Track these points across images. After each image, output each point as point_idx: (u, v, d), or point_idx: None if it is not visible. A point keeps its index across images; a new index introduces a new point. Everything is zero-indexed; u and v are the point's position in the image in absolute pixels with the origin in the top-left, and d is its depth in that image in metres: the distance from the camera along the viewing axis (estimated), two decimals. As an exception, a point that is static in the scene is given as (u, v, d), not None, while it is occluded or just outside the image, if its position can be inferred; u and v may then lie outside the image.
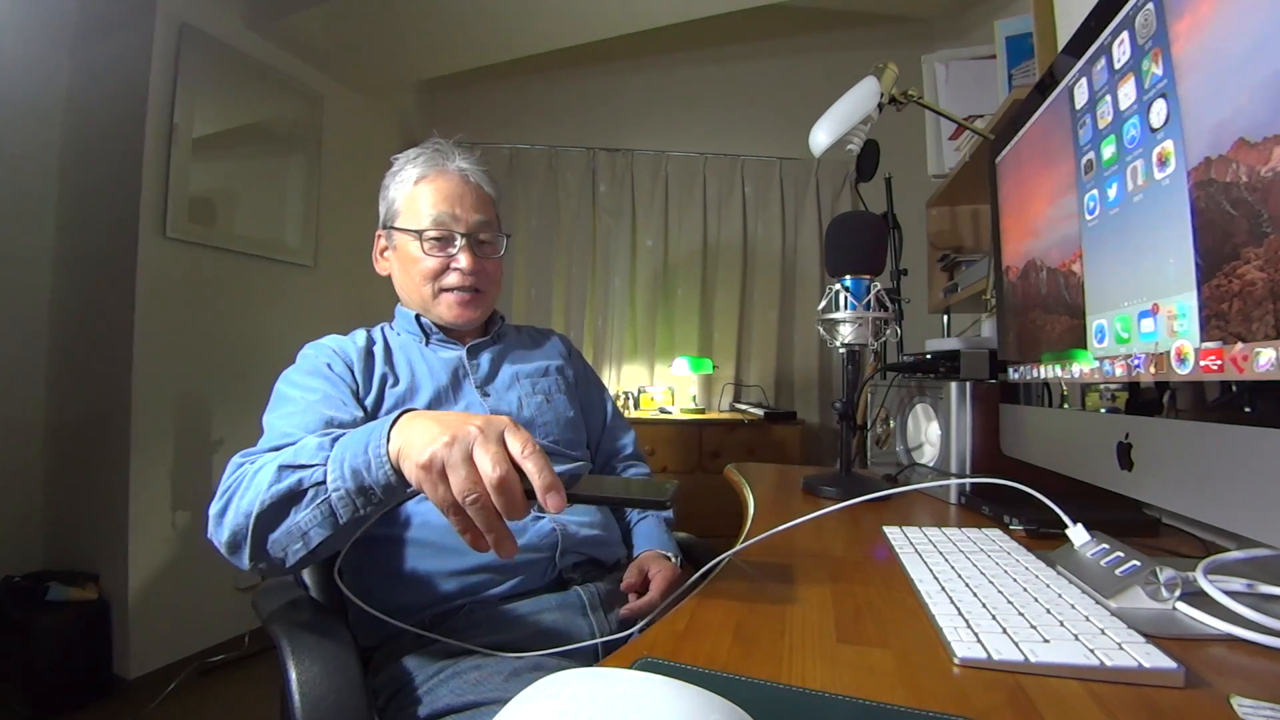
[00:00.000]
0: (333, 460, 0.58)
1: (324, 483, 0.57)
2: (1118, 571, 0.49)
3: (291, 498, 0.59)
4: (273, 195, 2.31)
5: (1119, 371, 0.58)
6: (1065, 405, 0.69)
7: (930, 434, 1.01)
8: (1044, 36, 1.24)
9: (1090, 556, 0.54)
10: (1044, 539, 0.70)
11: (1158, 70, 0.50)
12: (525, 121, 3.02)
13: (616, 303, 2.90)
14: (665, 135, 2.98)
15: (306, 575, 0.85)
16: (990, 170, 0.90)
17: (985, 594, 0.49)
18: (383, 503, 0.58)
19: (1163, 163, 0.50)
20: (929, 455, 1.01)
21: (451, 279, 0.92)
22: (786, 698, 0.37)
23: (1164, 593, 0.47)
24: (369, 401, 0.84)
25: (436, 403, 0.87)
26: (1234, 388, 0.44)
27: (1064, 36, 1.11)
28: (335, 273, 2.52)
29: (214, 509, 0.65)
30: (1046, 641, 0.41)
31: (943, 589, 0.51)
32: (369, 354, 0.89)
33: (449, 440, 0.49)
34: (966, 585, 0.51)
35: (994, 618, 0.45)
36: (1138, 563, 0.49)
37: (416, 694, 0.67)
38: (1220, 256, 0.44)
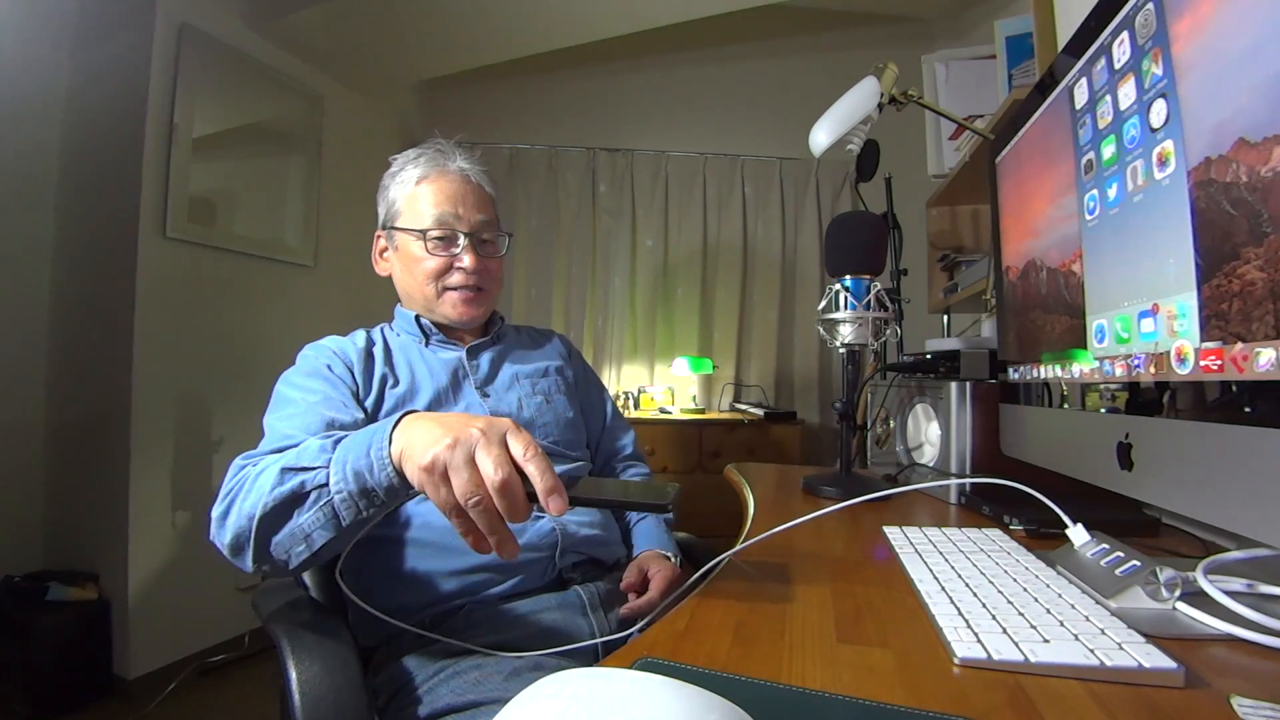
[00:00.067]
0: (335, 462, 0.58)
1: (327, 485, 0.57)
2: (1118, 571, 0.49)
3: (294, 500, 0.59)
4: (273, 195, 2.31)
5: (1119, 371, 0.58)
6: (1065, 405, 0.69)
7: (930, 434, 1.01)
8: (1044, 36, 1.24)
9: (1090, 556, 0.54)
10: (1044, 539, 0.70)
11: (1158, 70, 0.50)
12: (525, 121, 3.02)
13: (616, 303, 2.90)
14: (665, 135, 2.98)
15: (307, 575, 0.85)
16: (990, 170, 0.90)
17: (985, 594, 0.49)
18: (385, 504, 0.58)
19: (1163, 163, 0.50)
20: (929, 455, 1.01)
21: (455, 278, 0.92)
22: (786, 698, 0.37)
23: (1164, 593, 0.47)
24: (369, 402, 0.84)
25: (436, 403, 0.87)
26: (1234, 388, 0.44)
27: (1064, 36, 1.11)
28: (335, 273, 2.52)
29: (216, 511, 0.65)
30: (1046, 641, 0.41)
31: (943, 589, 0.51)
32: (369, 355, 0.89)
33: (451, 442, 0.49)
34: (966, 585, 0.51)
35: (994, 618, 0.45)
36: (1138, 563, 0.49)
37: (416, 694, 0.67)
38: (1220, 256, 0.44)
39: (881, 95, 1.14)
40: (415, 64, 2.69)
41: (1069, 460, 0.68)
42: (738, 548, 0.64)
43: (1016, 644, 0.40)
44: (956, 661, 0.40)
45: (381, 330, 0.96)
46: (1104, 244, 0.60)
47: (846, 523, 0.79)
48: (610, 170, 2.93)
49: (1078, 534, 0.57)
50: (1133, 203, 0.55)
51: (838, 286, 0.93)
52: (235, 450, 0.71)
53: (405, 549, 0.80)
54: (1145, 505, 0.75)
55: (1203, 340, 0.46)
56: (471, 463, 0.49)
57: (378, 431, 0.56)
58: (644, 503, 0.51)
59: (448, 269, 0.92)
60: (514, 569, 0.79)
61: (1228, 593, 0.46)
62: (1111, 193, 0.58)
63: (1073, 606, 0.46)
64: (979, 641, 0.41)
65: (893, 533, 0.69)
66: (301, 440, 0.69)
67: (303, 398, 0.79)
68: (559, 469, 0.52)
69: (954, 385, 0.91)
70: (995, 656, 0.39)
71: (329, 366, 0.84)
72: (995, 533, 0.68)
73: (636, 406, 2.70)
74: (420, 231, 0.92)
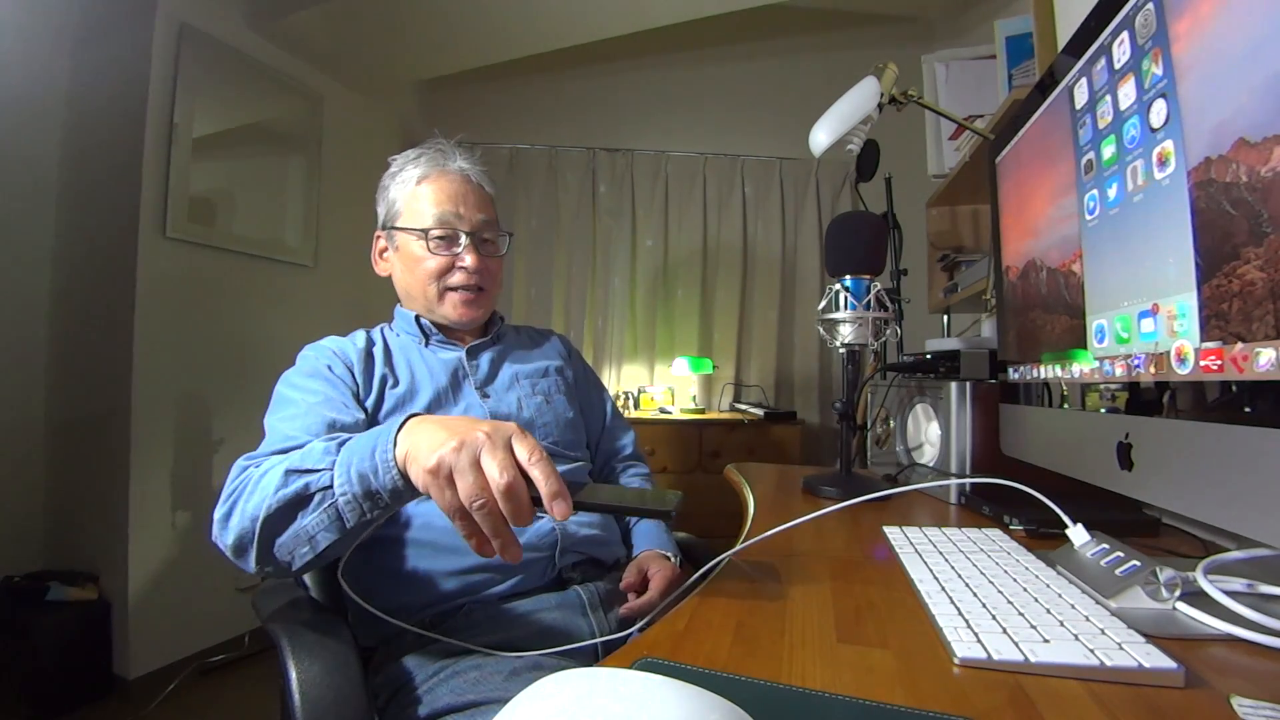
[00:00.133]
0: (339, 465, 0.58)
1: (331, 487, 0.58)
2: (1118, 571, 0.49)
3: (298, 502, 0.59)
4: (273, 195, 2.31)
5: (1119, 371, 0.58)
6: (1065, 405, 0.69)
7: (930, 434, 1.01)
8: (1044, 36, 1.24)
9: (1090, 556, 0.54)
10: (1044, 539, 0.70)
11: (1158, 70, 0.50)
12: (525, 121, 3.02)
13: (616, 303, 2.89)
14: (665, 135, 2.98)
15: (307, 575, 0.85)
16: (990, 170, 0.90)
17: (985, 594, 0.49)
18: (389, 507, 0.58)
19: (1163, 163, 0.50)
20: (929, 455, 1.01)
21: (456, 278, 0.92)
22: (786, 698, 0.37)
23: (1164, 593, 0.47)
24: (369, 403, 0.84)
25: (436, 404, 0.87)
26: (1234, 388, 0.44)
27: (1064, 36, 1.11)
28: (335, 273, 2.52)
29: (219, 512, 0.65)
30: (1046, 641, 0.41)
31: (943, 589, 0.51)
32: (369, 355, 0.89)
33: (457, 446, 0.49)
34: (966, 585, 0.51)
35: (994, 618, 0.45)
36: (1138, 563, 0.49)
37: (416, 693, 0.67)
38: (1220, 256, 0.44)
39: (881, 95, 1.14)
40: (415, 64, 2.69)
41: (1069, 460, 0.68)
42: (738, 548, 0.64)
43: (1016, 644, 0.40)
44: (956, 661, 0.40)
45: (381, 330, 0.96)
46: (1104, 244, 0.60)
47: (846, 523, 0.79)
48: (610, 170, 2.93)
49: (1078, 534, 0.57)
50: (1133, 203, 0.55)
51: (838, 286, 0.93)
52: (235, 450, 0.71)
53: (406, 549, 0.80)
54: (1145, 505, 0.75)
55: (1203, 340, 0.46)
56: (477, 466, 0.49)
57: (382, 434, 0.56)
58: (647, 509, 0.52)
59: (449, 268, 0.92)
60: (514, 569, 0.79)
61: (1228, 593, 0.46)
62: (1111, 193, 0.58)
63: (1073, 606, 0.46)
64: (979, 641, 0.41)
65: (893, 533, 0.69)
66: (303, 441, 0.69)
67: (303, 398, 0.79)
68: (559, 469, 0.52)
69: (954, 385, 0.91)
70: (995, 656, 0.39)
71: (329, 367, 0.84)
72: (995, 533, 0.68)
73: (636, 406, 2.70)
74: (421, 231, 0.92)
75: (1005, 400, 0.85)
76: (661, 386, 2.77)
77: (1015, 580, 0.52)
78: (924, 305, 1.94)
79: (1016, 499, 0.63)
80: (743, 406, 2.73)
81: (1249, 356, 0.42)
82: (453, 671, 0.68)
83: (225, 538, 0.64)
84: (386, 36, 2.39)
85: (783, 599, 0.52)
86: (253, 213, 2.22)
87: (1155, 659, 0.38)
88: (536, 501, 0.49)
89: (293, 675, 0.60)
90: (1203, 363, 0.46)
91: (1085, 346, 0.64)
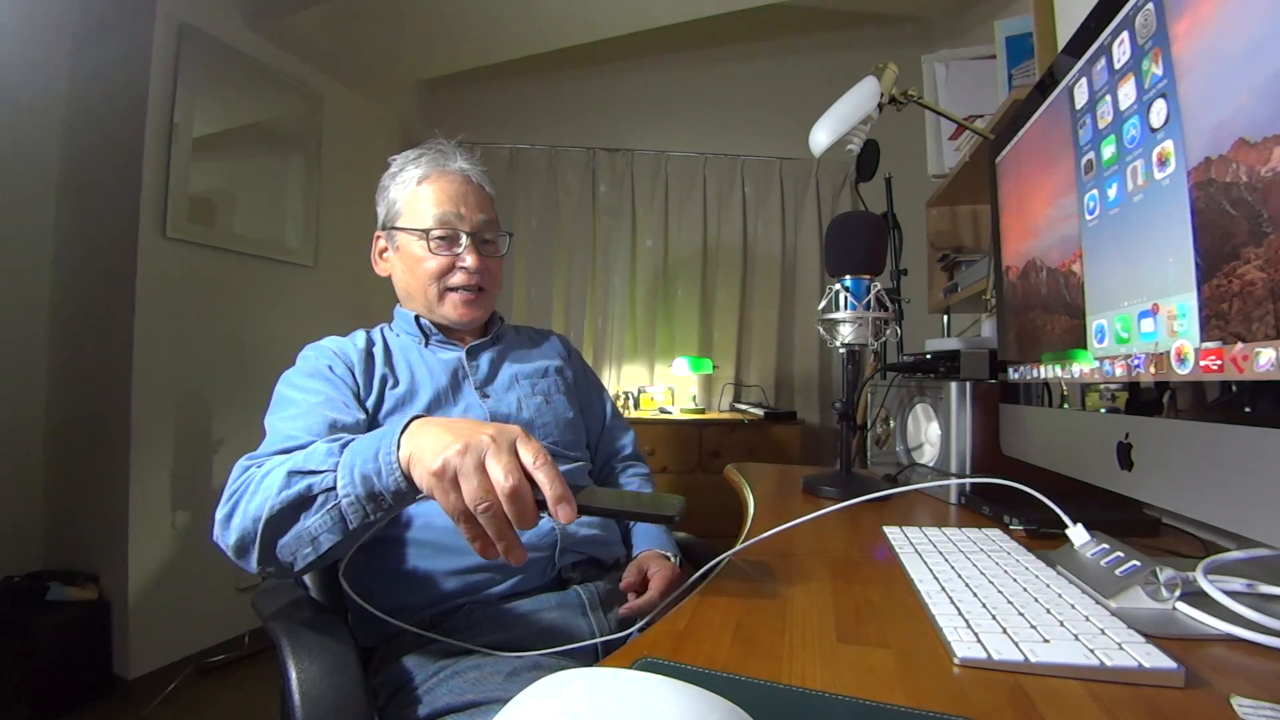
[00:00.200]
0: (343, 466, 0.58)
1: (334, 489, 0.58)
2: (1118, 571, 0.49)
3: (301, 503, 0.59)
4: (273, 195, 2.31)
5: (1119, 371, 0.58)
6: (1065, 405, 0.69)
7: (930, 434, 1.01)
8: (1044, 36, 1.24)
9: (1090, 556, 0.54)
10: (1044, 539, 0.70)
11: (1158, 70, 0.50)
12: (525, 121, 3.02)
13: (616, 303, 2.89)
14: (665, 135, 2.98)
15: (307, 575, 0.85)
16: (990, 170, 0.90)
17: (985, 594, 0.49)
18: (392, 509, 0.58)
19: (1163, 163, 0.50)
20: (929, 455, 1.01)
21: (457, 278, 0.92)
22: (786, 698, 0.37)
23: (1164, 593, 0.47)
24: (369, 403, 0.84)
25: (436, 404, 0.87)
26: (1234, 388, 0.44)
27: (1064, 36, 1.11)
28: (335, 273, 2.52)
29: (220, 513, 0.65)
30: (1046, 641, 0.41)
31: (943, 589, 0.51)
32: (369, 355, 0.89)
33: (462, 448, 0.50)
34: (966, 585, 0.51)
35: (994, 618, 0.45)
36: (1138, 563, 0.49)
37: (416, 693, 0.67)
38: (1220, 256, 0.44)
39: (881, 95, 1.14)
40: (415, 64, 2.69)
41: (1069, 460, 0.68)
42: (738, 548, 0.64)
43: (1016, 644, 0.40)
44: (956, 661, 0.40)
45: (381, 330, 0.96)
46: (1104, 244, 0.60)
47: (846, 523, 0.79)
48: (610, 170, 2.93)
49: (1078, 534, 0.57)
50: (1133, 203, 0.55)
51: (838, 286, 0.93)
52: (235, 450, 0.71)
53: (406, 549, 0.80)
54: (1145, 505, 0.75)
55: (1203, 340, 0.46)
56: (482, 469, 0.49)
57: (386, 436, 0.56)
58: (650, 513, 0.52)
59: (450, 269, 0.92)
60: (514, 569, 0.79)
61: (1228, 593, 0.46)
62: (1111, 193, 0.58)
63: (1073, 606, 0.46)
64: (979, 641, 0.41)
65: (893, 533, 0.69)
66: (305, 441, 0.69)
67: (304, 399, 0.79)
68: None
69: (954, 385, 0.91)
70: (995, 656, 0.39)
71: (330, 367, 0.84)
72: (995, 533, 0.68)
73: (636, 406, 2.70)
74: (422, 231, 0.92)
75: (1005, 400, 0.85)
76: (661, 386, 2.77)
77: (1015, 580, 0.52)
78: (924, 305, 1.94)
79: (1016, 499, 0.63)
80: (743, 406, 2.73)
81: (1249, 356, 0.42)
82: (452, 671, 0.68)
83: (227, 538, 0.64)
84: (386, 36, 2.40)
85: (783, 599, 0.52)
86: (253, 213, 2.22)
87: (1155, 659, 0.38)
88: (541, 505, 0.49)
89: (293, 675, 0.60)
90: (1203, 363, 0.46)
91: (1085, 346, 0.64)
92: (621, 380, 2.89)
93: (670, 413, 2.61)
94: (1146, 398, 0.54)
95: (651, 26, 2.47)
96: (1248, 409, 0.42)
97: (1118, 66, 0.56)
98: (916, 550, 0.62)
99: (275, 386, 0.83)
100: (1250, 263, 0.41)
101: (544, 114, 3.04)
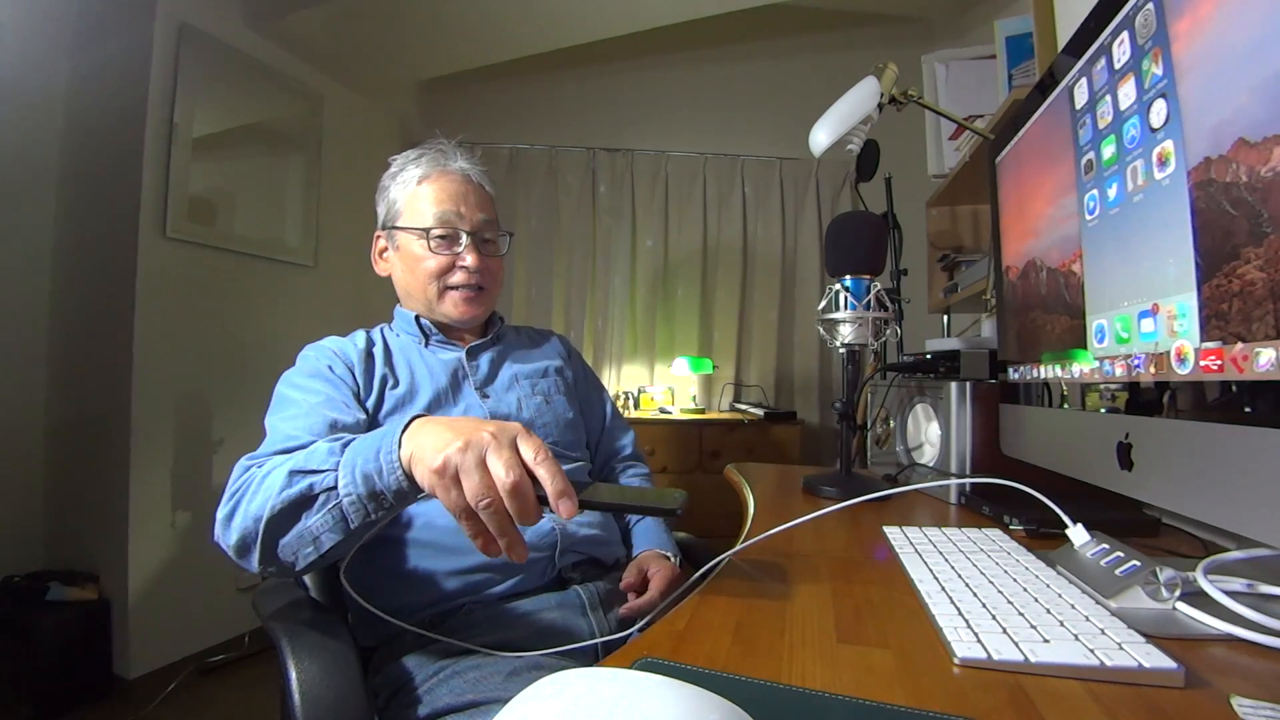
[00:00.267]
0: (344, 465, 0.58)
1: (335, 488, 0.58)
2: (1118, 571, 0.49)
3: (303, 503, 0.59)
4: (273, 195, 2.31)
5: (1119, 371, 0.58)
6: (1065, 405, 0.69)
7: (930, 434, 1.01)
8: (1044, 36, 1.24)
9: (1090, 556, 0.54)
10: (1044, 539, 0.70)
11: (1158, 70, 0.50)
12: (525, 121, 3.02)
13: (616, 303, 2.89)
14: (665, 135, 2.98)
15: (307, 575, 0.85)
16: (990, 170, 0.90)
17: (985, 594, 0.49)
18: (394, 507, 0.58)
19: (1163, 163, 0.50)
20: (929, 455, 1.01)
21: (457, 277, 0.93)
22: (786, 698, 0.37)
23: (1164, 593, 0.47)
24: (369, 403, 0.84)
25: (436, 404, 0.87)
26: (1234, 388, 0.44)
27: (1064, 36, 1.11)
28: (335, 273, 2.52)
29: (221, 513, 0.65)
30: (1046, 641, 0.41)
31: (943, 589, 0.51)
32: (369, 355, 0.89)
33: (462, 446, 0.50)
34: (966, 585, 0.51)
35: (994, 618, 0.45)
36: (1138, 563, 0.49)
37: (416, 694, 0.67)
38: (1220, 256, 0.44)
39: (881, 95, 1.14)
40: (415, 64, 2.69)
41: (1069, 460, 0.68)
42: (738, 548, 0.64)
43: (1016, 644, 0.40)
44: (956, 661, 0.40)
45: (381, 330, 0.96)
46: (1104, 244, 0.60)
47: (846, 523, 0.79)
48: (610, 170, 2.92)
49: (1078, 534, 0.57)
50: (1133, 203, 0.55)
51: (838, 286, 0.93)
52: (235, 450, 0.71)
53: (407, 549, 0.80)
54: (1145, 505, 0.75)
55: (1203, 340, 0.46)
56: (483, 465, 0.49)
57: (387, 435, 0.57)
58: (652, 507, 0.52)
59: (450, 268, 0.92)
60: (514, 569, 0.79)
61: (1228, 593, 0.46)
62: (1111, 193, 0.58)
63: (1073, 606, 0.46)
64: (979, 641, 0.41)
65: (893, 533, 0.69)
66: (305, 441, 0.69)
67: (305, 399, 0.79)
68: (559, 469, 0.52)
69: (954, 385, 0.91)
70: (995, 656, 0.39)
71: (330, 367, 0.84)
72: (995, 533, 0.68)
73: (636, 406, 2.70)
74: (423, 230, 0.92)
75: (1005, 400, 0.85)
76: (661, 386, 2.77)
77: (1015, 580, 0.52)
78: (924, 305, 1.94)
79: (1016, 499, 0.63)
80: (743, 406, 2.73)
81: (1249, 356, 0.42)
82: (453, 671, 0.68)
83: (228, 538, 0.64)
84: (386, 36, 2.40)
85: (783, 599, 0.52)
86: (253, 213, 2.22)
87: (1155, 659, 0.38)
88: (542, 501, 0.49)
89: (293, 675, 0.60)
90: (1203, 363, 0.46)
91: (1085, 346, 0.64)
92: (621, 380, 2.89)
93: (670, 413, 2.61)
94: (1146, 398, 0.54)
95: (651, 26, 2.48)
96: (1248, 409, 0.42)
97: (1118, 66, 0.56)
98: (916, 550, 0.62)
99: (275, 386, 0.83)
100: (1250, 263, 0.41)
101: (544, 114, 3.03)
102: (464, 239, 0.92)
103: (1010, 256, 0.84)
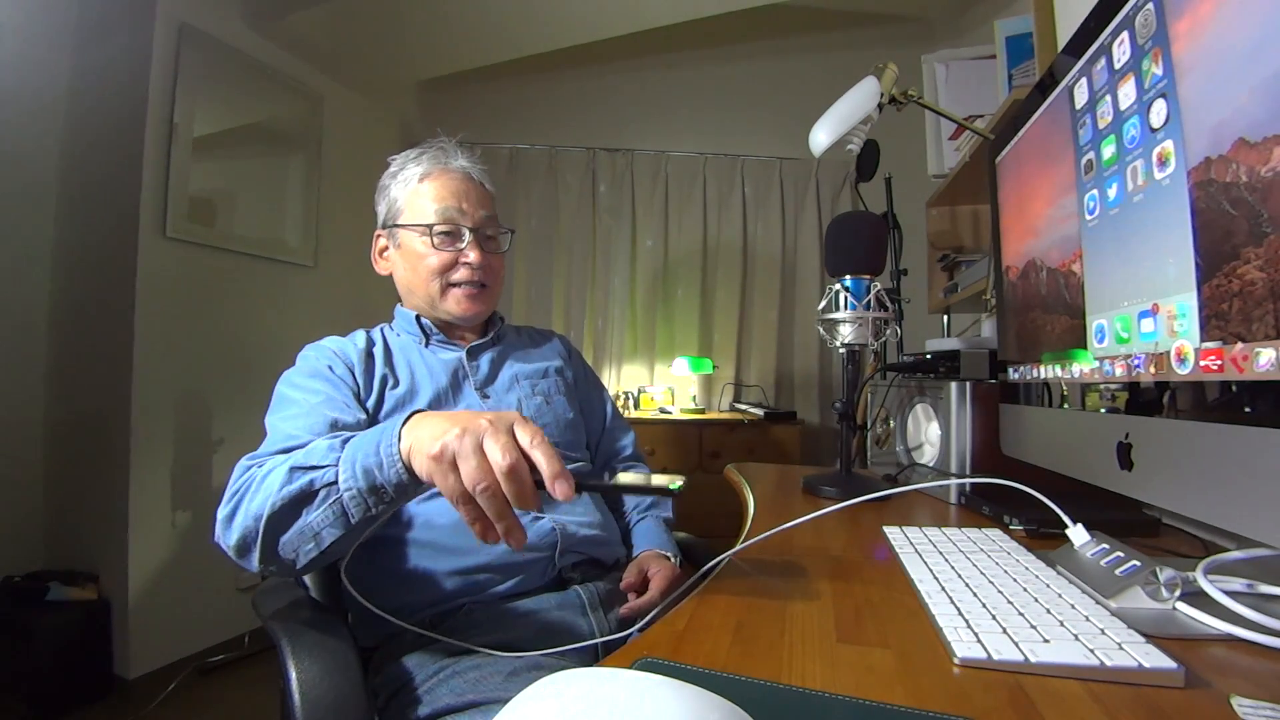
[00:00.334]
0: (344, 461, 0.58)
1: (336, 483, 0.58)
2: (1118, 571, 0.49)
3: (303, 499, 0.59)
4: (273, 195, 2.31)
5: (1119, 371, 0.58)
6: (1065, 405, 0.69)
7: (930, 434, 1.01)
8: (1044, 36, 1.24)
9: (1090, 556, 0.54)
10: (1044, 539, 0.70)
11: (1158, 70, 0.50)
12: (525, 121, 3.02)
13: (616, 303, 2.89)
14: (665, 135, 2.98)
15: (307, 575, 0.85)
16: (990, 170, 0.90)
17: (985, 594, 0.49)
18: (394, 501, 0.58)
19: (1163, 163, 0.50)
20: (929, 455, 1.01)
21: (460, 274, 0.93)
22: (786, 698, 0.37)
23: (1164, 593, 0.47)
24: (369, 403, 0.84)
25: (436, 404, 0.87)
26: (1234, 388, 0.44)
27: (1064, 36, 1.11)
28: (335, 273, 2.52)
29: (222, 512, 0.65)
30: (1046, 641, 0.41)
31: (943, 589, 0.51)
32: (369, 355, 0.89)
33: (460, 432, 0.50)
34: (966, 585, 0.51)
35: (994, 618, 0.45)
36: (1138, 563, 0.49)
37: (416, 694, 0.67)
38: (1220, 256, 0.44)
39: (881, 95, 1.14)
40: (415, 64, 2.69)
41: (1069, 460, 0.68)
42: (738, 548, 0.64)
43: (1016, 644, 0.40)
44: (956, 661, 0.40)
45: (381, 330, 0.96)
46: (1104, 244, 0.60)
47: (846, 523, 0.79)
48: (610, 170, 2.92)
49: (1078, 534, 0.57)
50: (1133, 203, 0.55)
51: (838, 286, 0.93)
52: (235, 450, 0.71)
53: (407, 549, 0.80)
54: (1145, 505, 0.75)
55: (1203, 340, 0.46)
56: (480, 450, 0.49)
57: (386, 429, 0.57)
58: (652, 487, 0.52)
59: (452, 265, 0.92)
60: (514, 568, 0.79)
61: (1228, 593, 0.46)
62: (1111, 193, 0.58)
63: (1073, 606, 0.46)
64: (979, 641, 0.41)
65: (893, 533, 0.69)
66: (305, 440, 0.69)
67: (305, 398, 0.79)
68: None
69: (954, 385, 0.91)
70: (995, 656, 0.39)
71: (330, 367, 0.84)
72: (995, 533, 0.68)
73: (636, 406, 2.70)
74: (425, 226, 0.92)
75: (1005, 400, 0.85)
76: (661, 386, 2.77)
77: (1015, 580, 0.52)
78: (924, 305, 1.94)
79: (1016, 499, 0.63)
80: (743, 406, 2.73)
81: (1249, 356, 0.42)
82: (453, 671, 0.68)
83: (229, 538, 0.64)
84: (386, 36, 2.40)
85: (783, 599, 0.52)
86: (253, 213, 2.22)
87: (1155, 659, 0.38)
88: (540, 485, 0.49)
89: (293, 675, 0.60)
90: (1203, 363, 0.46)
91: (1085, 346, 0.64)
92: (621, 380, 2.89)
93: (670, 413, 2.61)
94: (1146, 398, 0.54)
95: (652, 26, 2.48)
96: (1248, 409, 0.42)
97: (1118, 66, 0.56)
98: (916, 550, 0.62)
99: (275, 386, 0.83)
100: (1250, 263, 0.41)
101: (544, 114, 3.03)
102: (466, 235, 0.92)
103: (1010, 256, 0.84)
